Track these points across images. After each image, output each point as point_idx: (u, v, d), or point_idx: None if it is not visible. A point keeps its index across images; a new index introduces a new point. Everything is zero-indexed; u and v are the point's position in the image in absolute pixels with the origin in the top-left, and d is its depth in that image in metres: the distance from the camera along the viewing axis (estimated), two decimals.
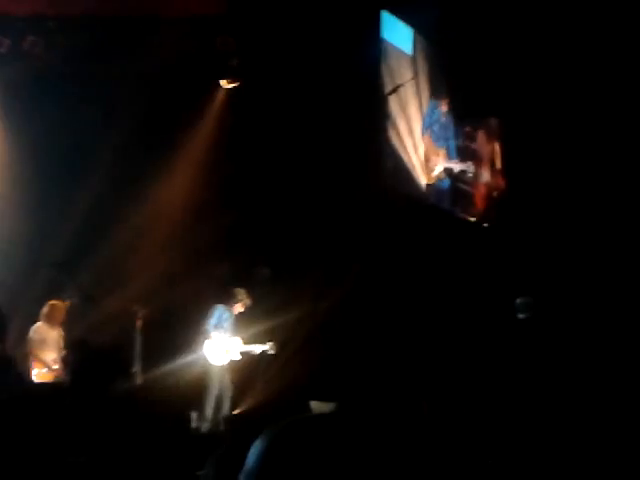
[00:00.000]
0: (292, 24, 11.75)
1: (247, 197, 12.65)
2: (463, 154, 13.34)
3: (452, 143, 13.32)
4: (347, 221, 12.05)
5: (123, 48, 11.79)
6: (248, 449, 1.48)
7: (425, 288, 11.71)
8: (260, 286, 12.21)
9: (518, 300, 10.36)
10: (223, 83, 12.51)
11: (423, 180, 12.97)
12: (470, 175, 13.20)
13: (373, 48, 12.17)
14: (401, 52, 12.70)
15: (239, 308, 11.28)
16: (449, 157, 13.24)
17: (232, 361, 11.16)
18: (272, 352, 11.23)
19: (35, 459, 4.58)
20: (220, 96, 12.67)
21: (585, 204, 11.78)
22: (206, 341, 11.00)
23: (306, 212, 12.23)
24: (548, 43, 11.85)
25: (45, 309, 10.16)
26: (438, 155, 13.14)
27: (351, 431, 1.36)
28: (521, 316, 10.28)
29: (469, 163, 13.19)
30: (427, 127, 13.17)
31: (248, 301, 11.31)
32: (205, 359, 10.98)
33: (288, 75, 12.10)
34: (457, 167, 13.15)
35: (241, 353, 11.19)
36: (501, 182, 13.20)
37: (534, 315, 10.22)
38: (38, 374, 9.79)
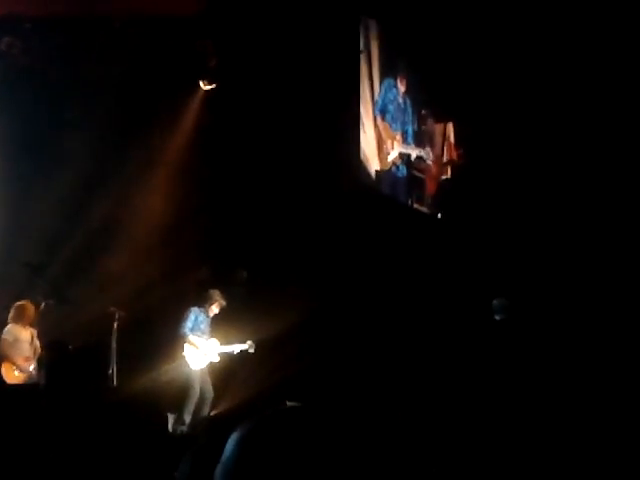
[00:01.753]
0: (270, 26, 11.76)
1: (225, 199, 12.64)
2: (420, 138, 12.51)
3: (410, 128, 12.48)
4: (324, 222, 12.08)
5: (101, 49, 11.77)
6: (223, 445, 1.49)
7: (401, 287, 11.74)
8: (238, 288, 12.20)
9: (495, 301, 10.39)
10: (202, 84, 12.52)
11: (374, 165, 12.40)
12: (429, 162, 12.40)
13: (353, 53, 12.20)
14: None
15: (214, 309, 11.25)
16: (406, 142, 12.44)
17: (211, 363, 11.15)
18: (251, 351, 11.23)
19: (10, 460, 4.55)
20: (198, 97, 12.67)
21: (555, 196, 11.72)
22: (185, 345, 10.98)
23: (282, 214, 12.24)
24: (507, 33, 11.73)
25: (13, 310, 10.08)
26: (393, 139, 12.39)
27: (325, 423, 1.37)
28: (498, 317, 10.31)
29: (427, 149, 12.38)
30: (381, 108, 12.42)
31: (223, 302, 11.29)
32: (186, 364, 10.96)
33: (266, 77, 12.11)
34: (414, 153, 12.36)
35: (219, 354, 11.17)
36: (454, 156, 12.41)
37: (511, 316, 10.26)
38: (10, 376, 9.71)
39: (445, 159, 12.64)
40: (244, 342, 11.20)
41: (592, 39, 10.98)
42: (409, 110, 12.51)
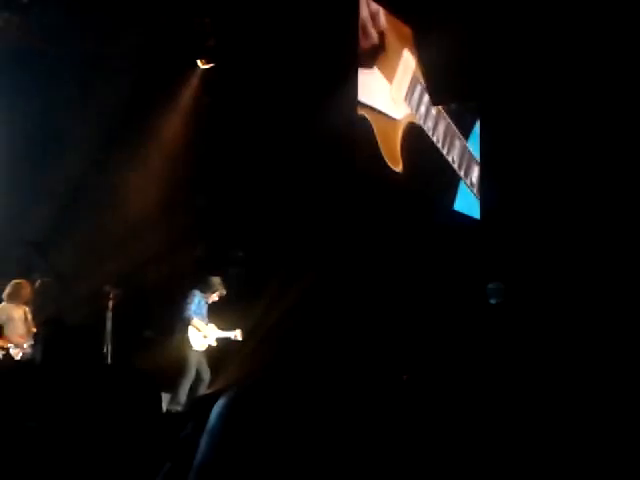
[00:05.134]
0: (269, 3, 11.70)
1: (222, 179, 12.62)
2: None
3: None
4: (323, 205, 12.05)
5: (99, 27, 11.69)
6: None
7: (398, 271, 11.75)
8: (234, 269, 12.21)
9: (490, 285, 10.40)
10: (199, 63, 12.47)
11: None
12: None
13: (351, 31, 12.14)
14: None
15: (214, 298, 11.36)
16: None
17: (210, 346, 11.26)
18: (240, 339, 11.38)
19: (5, 435, 4.56)
20: (196, 76, 12.62)
21: (554, 184, 11.75)
22: (189, 327, 11.08)
23: (281, 196, 12.23)
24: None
25: (8, 289, 10.05)
26: None
27: (302, 392, 1.39)
28: (493, 301, 10.32)
29: None
30: None
31: (223, 291, 11.40)
32: (188, 345, 11.05)
33: (266, 56, 12.06)
34: None
35: (217, 339, 11.30)
36: None
37: (506, 300, 10.26)
38: (6, 353, 9.72)
39: None
40: (235, 329, 11.35)
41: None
42: None
